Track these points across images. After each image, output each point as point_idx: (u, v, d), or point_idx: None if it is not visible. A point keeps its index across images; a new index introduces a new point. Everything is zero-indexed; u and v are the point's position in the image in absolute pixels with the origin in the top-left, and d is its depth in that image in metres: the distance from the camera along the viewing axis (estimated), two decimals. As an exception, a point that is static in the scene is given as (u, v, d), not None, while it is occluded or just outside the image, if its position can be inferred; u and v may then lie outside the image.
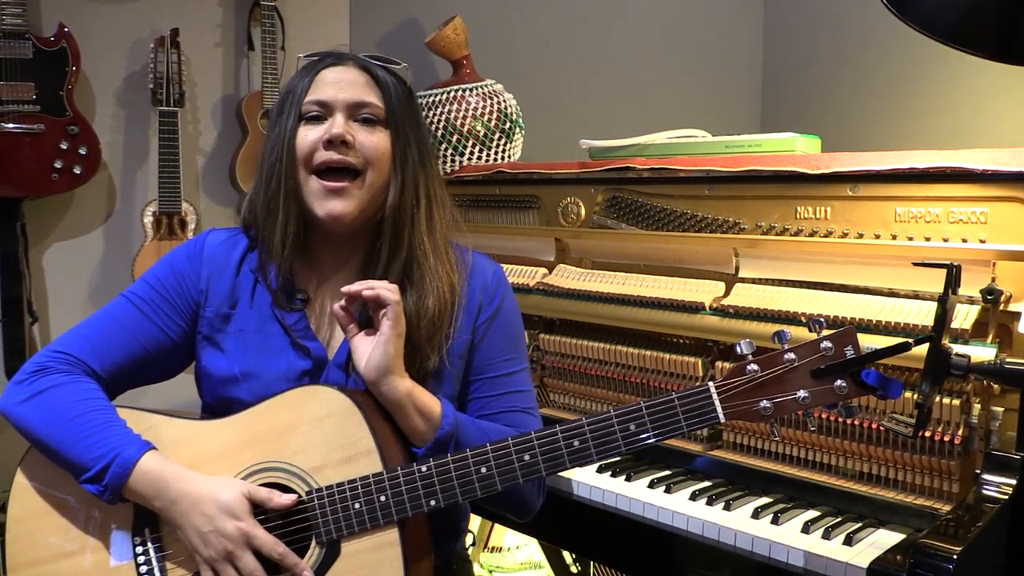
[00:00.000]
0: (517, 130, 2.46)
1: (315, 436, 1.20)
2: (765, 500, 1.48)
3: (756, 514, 1.41)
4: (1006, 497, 1.20)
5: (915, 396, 1.18)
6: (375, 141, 1.28)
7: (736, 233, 1.68)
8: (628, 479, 1.58)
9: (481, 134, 2.38)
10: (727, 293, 1.64)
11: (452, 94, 2.40)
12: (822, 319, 1.12)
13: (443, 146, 2.37)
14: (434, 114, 2.38)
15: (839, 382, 1.10)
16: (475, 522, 2.49)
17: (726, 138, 1.83)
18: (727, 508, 1.44)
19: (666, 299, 1.69)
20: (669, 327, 1.69)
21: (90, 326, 1.30)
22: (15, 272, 2.52)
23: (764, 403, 1.11)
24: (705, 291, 1.67)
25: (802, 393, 1.11)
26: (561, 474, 1.56)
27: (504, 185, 2.12)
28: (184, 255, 1.35)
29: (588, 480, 1.58)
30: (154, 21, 2.68)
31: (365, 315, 1.25)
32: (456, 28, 2.50)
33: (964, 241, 1.39)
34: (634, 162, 1.84)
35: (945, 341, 1.17)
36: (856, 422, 1.43)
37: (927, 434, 1.35)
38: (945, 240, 1.41)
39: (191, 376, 1.38)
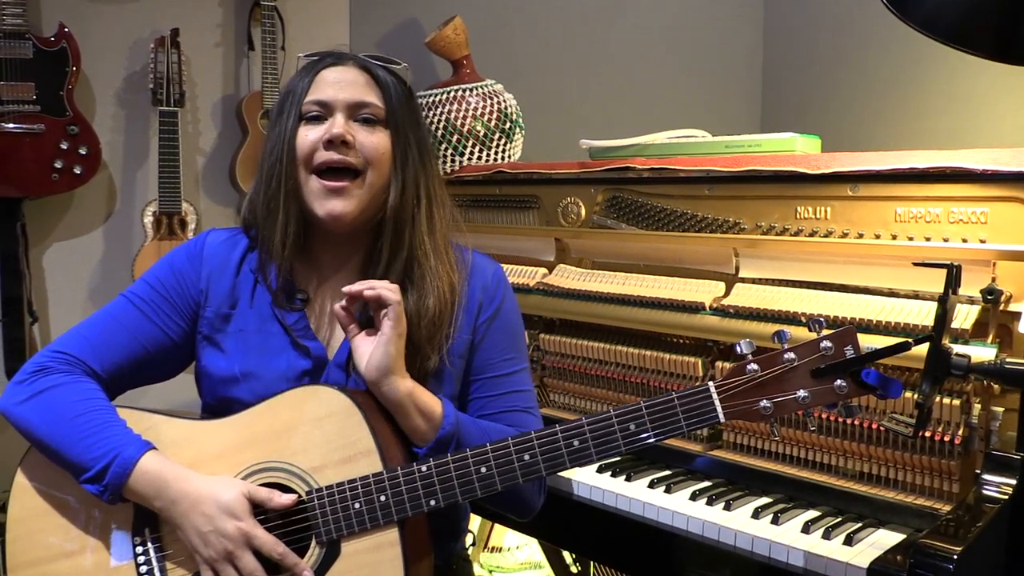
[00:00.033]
0: (517, 130, 2.46)
1: (315, 436, 1.20)
2: (765, 500, 1.48)
3: (756, 514, 1.41)
4: (1006, 497, 1.20)
5: (915, 396, 1.18)
6: (375, 141, 1.28)
7: (736, 233, 1.68)
8: (628, 479, 1.58)
9: (481, 134, 2.38)
10: (727, 293, 1.64)
11: (452, 94, 2.40)
12: (822, 319, 1.12)
13: (443, 146, 2.37)
14: (434, 114, 2.38)
15: (839, 382, 1.10)
16: (475, 522, 2.49)
17: (726, 138, 1.83)
18: (727, 508, 1.44)
19: (666, 299, 1.69)
20: (669, 327, 1.69)
21: (90, 326, 1.30)
22: (15, 272, 2.52)
23: (764, 403, 1.11)
24: (705, 291, 1.67)
25: (802, 393, 1.11)
26: (561, 474, 1.56)
27: (504, 185, 2.12)
28: (184, 255, 1.35)
29: (588, 480, 1.58)
30: (154, 21, 2.68)
31: (365, 315, 1.25)
32: (456, 28, 2.50)
33: (964, 241, 1.39)
34: (634, 162, 1.84)
35: (945, 341, 1.17)
36: (856, 422, 1.43)
37: (927, 434, 1.35)
38: (945, 240, 1.41)
39: (191, 376, 1.38)
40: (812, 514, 1.42)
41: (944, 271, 1.17)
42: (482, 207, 2.17)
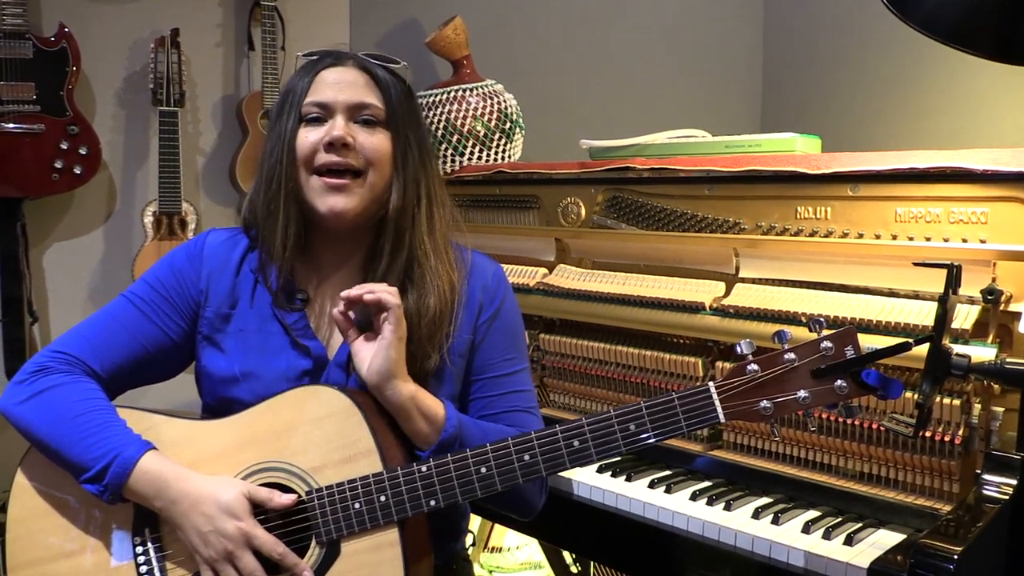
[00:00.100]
0: (517, 130, 2.46)
1: (315, 436, 1.20)
2: (765, 500, 1.48)
3: (756, 514, 1.41)
4: (1006, 497, 1.20)
5: (915, 396, 1.18)
6: (375, 142, 1.28)
7: (736, 233, 1.68)
8: (628, 479, 1.58)
9: (481, 134, 2.38)
10: (727, 293, 1.64)
11: (452, 94, 2.40)
12: (822, 319, 1.12)
13: (443, 146, 2.37)
14: (434, 114, 2.38)
15: (839, 382, 1.10)
16: (475, 522, 2.49)
17: (726, 138, 1.83)
18: (727, 508, 1.44)
19: (666, 299, 1.69)
20: (669, 327, 1.69)
21: (90, 326, 1.30)
22: (15, 272, 2.52)
23: (764, 403, 1.11)
24: (705, 291, 1.67)
25: (802, 393, 1.11)
26: (561, 474, 1.56)
27: (504, 185, 2.12)
28: (184, 255, 1.35)
29: (588, 480, 1.58)
30: (154, 21, 2.68)
31: (364, 317, 1.24)
32: (456, 28, 2.50)
33: (964, 241, 1.39)
34: (634, 162, 1.84)
35: (945, 341, 1.17)
36: (856, 422, 1.43)
37: (927, 434, 1.35)
38: (945, 240, 1.41)
39: (191, 376, 1.38)
40: (812, 514, 1.42)
41: (944, 271, 1.17)
42: (482, 207, 2.17)
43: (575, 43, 3.05)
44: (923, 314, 1.38)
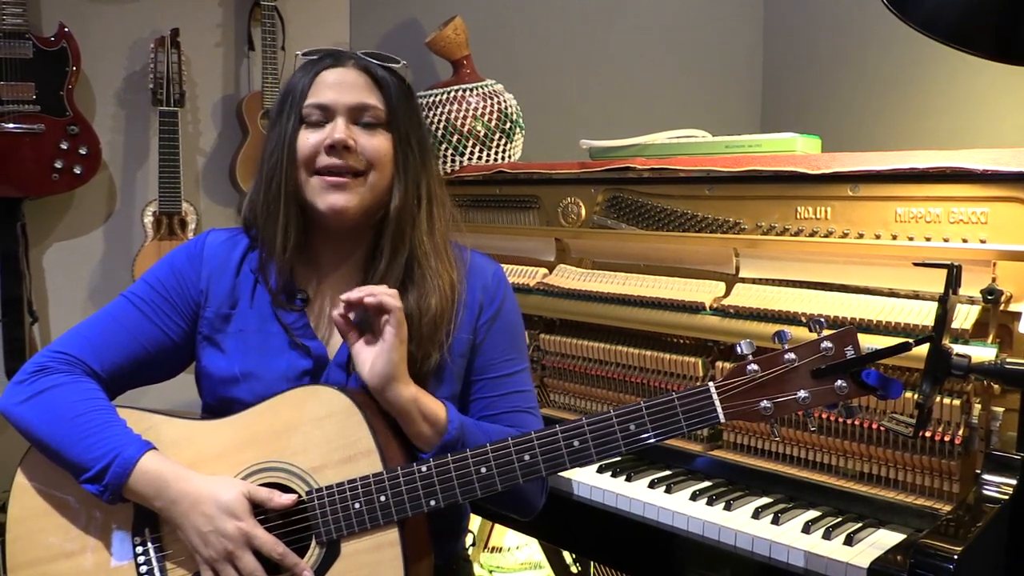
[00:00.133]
0: (517, 130, 2.46)
1: (315, 436, 1.20)
2: (765, 500, 1.48)
3: (756, 514, 1.41)
4: (1006, 497, 1.20)
5: (915, 396, 1.18)
6: (376, 144, 1.28)
7: (736, 233, 1.68)
8: (628, 479, 1.58)
9: (481, 134, 2.38)
10: (727, 293, 1.64)
11: (452, 94, 2.40)
12: (822, 319, 1.12)
13: (443, 146, 2.37)
14: (434, 114, 2.38)
15: (839, 382, 1.10)
16: (475, 522, 2.49)
17: (726, 138, 1.83)
18: (727, 508, 1.44)
19: (666, 299, 1.69)
20: (669, 327, 1.69)
21: (90, 326, 1.30)
22: (15, 272, 2.52)
23: (764, 403, 1.11)
24: (705, 291, 1.67)
25: (802, 393, 1.11)
26: (561, 474, 1.56)
27: (504, 185, 2.12)
28: (184, 255, 1.35)
29: (588, 480, 1.58)
30: (154, 21, 2.68)
31: (363, 319, 1.24)
32: (456, 28, 2.50)
33: (964, 241, 1.39)
34: (634, 162, 1.84)
35: (945, 341, 1.17)
36: (856, 422, 1.43)
37: (927, 434, 1.35)
38: (945, 240, 1.41)
39: (191, 376, 1.38)
40: (812, 514, 1.42)
41: (944, 271, 1.17)
42: (482, 207, 2.17)
43: (575, 43, 3.05)
44: (923, 314, 1.38)
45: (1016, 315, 1.30)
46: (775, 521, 1.38)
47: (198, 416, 1.31)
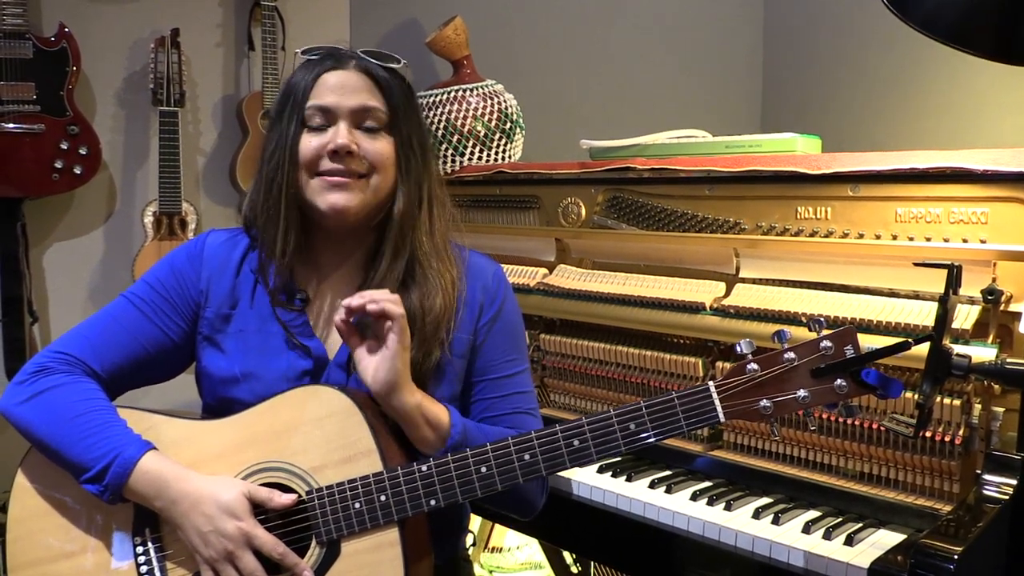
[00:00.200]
0: (517, 130, 2.46)
1: (315, 436, 1.20)
2: (766, 500, 1.48)
3: (757, 514, 1.41)
4: (1007, 497, 1.20)
5: (916, 396, 1.18)
6: (379, 148, 1.28)
7: (736, 233, 1.68)
8: (629, 479, 1.58)
9: (481, 134, 2.38)
10: (727, 293, 1.64)
11: (452, 94, 2.40)
12: (822, 319, 1.12)
13: (443, 146, 2.37)
14: (434, 114, 2.38)
15: (839, 381, 1.10)
16: (475, 522, 2.49)
17: (726, 138, 1.83)
18: (728, 508, 1.44)
19: (666, 299, 1.69)
20: (669, 327, 1.69)
21: (90, 326, 1.30)
22: (15, 272, 2.52)
23: (764, 402, 1.11)
24: (705, 291, 1.67)
25: (802, 392, 1.11)
26: (562, 474, 1.56)
27: (504, 185, 2.12)
28: (184, 255, 1.35)
29: (589, 480, 1.58)
30: (154, 21, 2.68)
31: (363, 322, 1.23)
32: (456, 28, 2.50)
33: (965, 241, 1.39)
34: (634, 162, 1.84)
35: (946, 341, 1.17)
36: (857, 422, 1.43)
37: (928, 434, 1.35)
38: (946, 240, 1.41)
39: (191, 376, 1.38)
40: (813, 514, 1.42)
41: (944, 271, 1.17)
42: (482, 207, 2.17)
43: (575, 43, 3.05)
44: (923, 314, 1.38)
45: (1016, 315, 1.30)
46: (775, 521, 1.38)
47: (198, 416, 1.31)
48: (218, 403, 1.31)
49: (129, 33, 2.68)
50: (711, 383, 1.13)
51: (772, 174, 1.61)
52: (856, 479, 1.45)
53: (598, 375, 1.81)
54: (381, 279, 1.28)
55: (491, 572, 2.59)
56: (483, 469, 1.15)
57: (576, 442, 1.14)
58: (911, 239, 1.45)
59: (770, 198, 1.63)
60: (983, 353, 1.27)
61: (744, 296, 1.60)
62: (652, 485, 1.55)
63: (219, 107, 2.84)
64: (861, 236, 1.51)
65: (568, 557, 2.38)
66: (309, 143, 1.27)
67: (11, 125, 2.41)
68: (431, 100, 2.41)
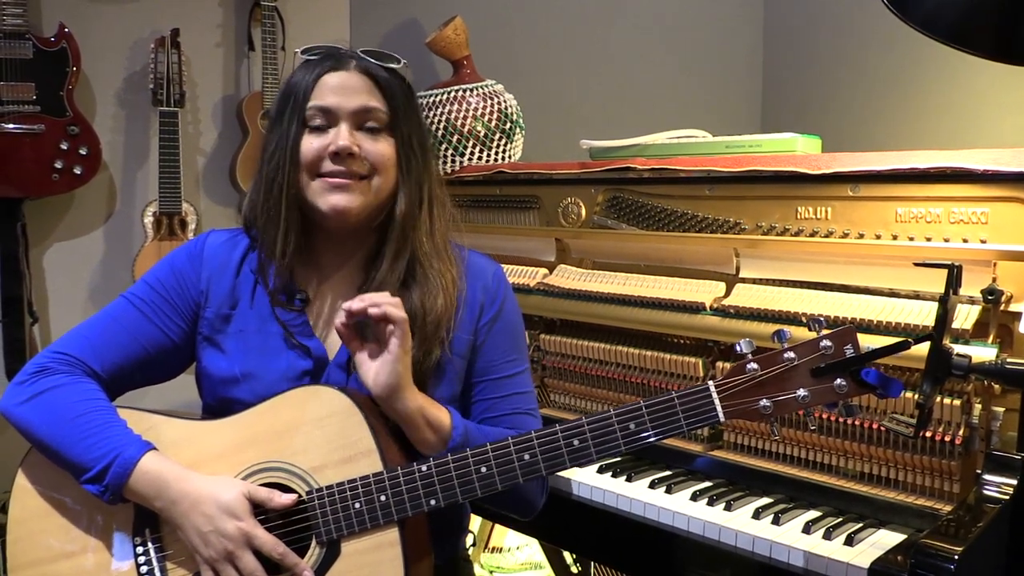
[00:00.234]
0: (517, 130, 2.46)
1: (316, 436, 1.20)
2: (766, 500, 1.48)
3: (757, 514, 1.40)
4: (1007, 497, 1.20)
5: (916, 396, 1.18)
6: (380, 149, 1.28)
7: (737, 233, 1.68)
8: (629, 479, 1.58)
9: (481, 134, 2.38)
10: (728, 293, 1.64)
11: (452, 94, 2.40)
12: (822, 319, 1.12)
13: (443, 146, 2.37)
14: (434, 114, 2.38)
15: (839, 381, 1.10)
16: (475, 522, 2.49)
17: (727, 138, 1.83)
18: (728, 508, 1.44)
19: (666, 299, 1.69)
20: (670, 327, 1.69)
21: (91, 327, 1.30)
22: (15, 272, 2.52)
23: (764, 402, 1.11)
24: (706, 291, 1.67)
25: (802, 392, 1.11)
26: (562, 474, 1.56)
27: (504, 185, 2.12)
28: (184, 256, 1.35)
29: (589, 480, 1.58)
30: (154, 21, 2.68)
31: (363, 323, 1.23)
32: (456, 28, 2.50)
33: (965, 241, 1.39)
34: (634, 162, 1.84)
35: (946, 341, 1.16)
36: (857, 422, 1.43)
37: (928, 434, 1.35)
38: (946, 240, 1.41)
39: (191, 377, 1.38)
40: (813, 514, 1.42)
41: (945, 271, 1.17)
42: (482, 207, 2.17)
43: (575, 43, 3.05)
44: (923, 314, 1.38)
45: (1016, 315, 1.30)
46: (775, 521, 1.38)
47: (198, 416, 1.31)
48: (218, 403, 1.31)
49: (129, 33, 2.68)
50: (711, 383, 1.13)
51: (772, 174, 1.61)
52: (856, 479, 1.45)
53: (598, 375, 1.81)
54: (382, 280, 1.28)
55: (491, 572, 2.59)
56: (483, 469, 1.15)
57: (576, 442, 1.14)
58: (911, 239, 1.45)
59: (770, 198, 1.63)
60: (983, 353, 1.27)
61: (744, 296, 1.60)
62: (652, 485, 1.55)
63: (219, 107, 2.84)
64: (861, 236, 1.51)
65: (568, 557, 2.38)
66: (310, 144, 1.26)
67: (11, 125, 2.41)
68: (431, 100, 2.41)
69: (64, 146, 2.47)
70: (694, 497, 1.49)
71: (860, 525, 1.36)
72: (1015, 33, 1.31)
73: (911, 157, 1.43)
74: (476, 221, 2.17)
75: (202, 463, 1.21)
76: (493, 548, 2.60)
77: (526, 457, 1.15)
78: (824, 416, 1.45)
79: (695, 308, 1.66)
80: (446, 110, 2.38)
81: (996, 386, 1.32)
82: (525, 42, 2.99)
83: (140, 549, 1.22)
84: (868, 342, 1.14)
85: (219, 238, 1.38)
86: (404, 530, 1.16)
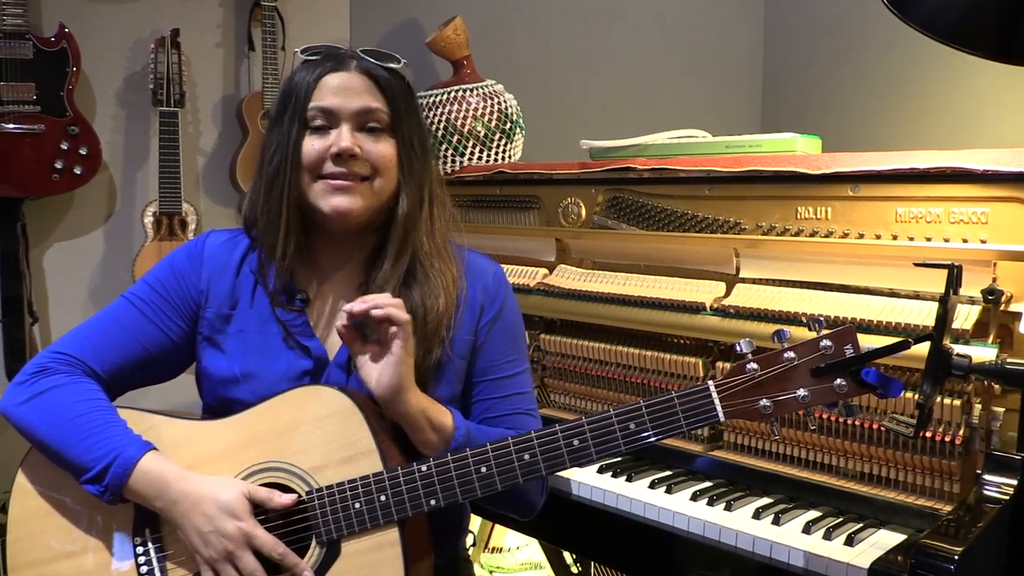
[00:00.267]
0: (517, 130, 2.46)
1: (316, 436, 1.20)
2: (766, 500, 1.48)
3: (757, 514, 1.40)
4: (1007, 497, 1.20)
5: (916, 396, 1.18)
6: (382, 150, 1.28)
7: (737, 233, 1.68)
8: (629, 479, 1.58)
9: (481, 134, 2.38)
10: (728, 293, 1.64)
11: (452, 94, 2.40)
12: (822, 319, 1.12)
13: (443, 146, 2.37)
14: (434, 114, 2.38)
15: (839, 381, 1.10)
16: (475, 522, 2.49)
17: (727, 138, 1.83)
18: (728, 509, 1.44)
19: (667, 299, 1.69)
20: (670, 327, 1.69)
21: (91, 327, 1.30)
22: (15, 272, 2.52)
23: (764, 402, 1.11)
24: (706, 291, 1.67)
25: (802, 392, 1.11)
26: (562, 474, 1.56)
27: (505, 185, 2.12)
28: (184, 256, 1.35)
29: (589, 480, 1.58)
30: (154, 21, 2.68)
31: (363, 324, 1.23)
32: (456, 28, 2.50)
33: (965, 241, 1.39)
34: (635, 162, 1.84)
35: (946, 341, 1.16)
36: (857, 422, 1.43)
37: (928, 434, 1.35)
38: (946, 240, 1.41)
39: (192, 377, 1.38)
40: (813, 514, 1.42)
41: (945, 271, 1.17)
42: (483, 207, 2.17)
43: (575, 43, 3.05)
44: (924, 314, 1.38)
45: (1016, 315, 1.30)
46: (776, 521, 1.38)
47: (198, 416, 1.31)
48: (218, 403, 1.31)
49: (129, 33, 2.68)
50: (711, 383, 1.13)
51: (772, 174, 1.61)
52: (856, 479, 1.45)
53: (598, 375, 1.81)
54: (383, 280, 1.28)
55: (491, 572, 2.59)
56: (483, 469, 1.15)
57: (576, 442, 1.14)
58: (911, 239, 1.45)
59: (770, 198, 1.63)
60: (983, 353, 1.27)
61: (744, 296, 1.60)
62: (652, 485, 1.55)
63: (219, 107, 2.84)
64: (861, 236, 1.51)
65: (568, 557, 2.38)
66: (312, 146, 1.26)
67: (11, 125, 2.41)
68: (431, 100, 2.41)
69: (64, 146, 2.47)
70: (694, 497, 1.49)
71: (860, 525, 1.36)
72: (1015, 33, 1.31)
73: (911, 157, 1.43)
74: (476, 221, 2.17)
75: (202, 463, 1.21)
76: (493, 548, 2.60)
77: (526, 457, 1.15)
78: (824, 416, 1.45)
79: (695, 308, 1.66)
80: (446, 110, 2.38)
81: (996, 386, 1.32)
82: (525, 42, 2.99)
83: (140, 549, 1.22)
84: (868, 342, 1.14)
85: (219, 238, 1.37)
86: (404, 530, 1.16)
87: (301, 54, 1.33)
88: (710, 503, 1.46)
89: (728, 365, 1.59)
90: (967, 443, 1.34)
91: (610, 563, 2.04)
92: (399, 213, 1.29)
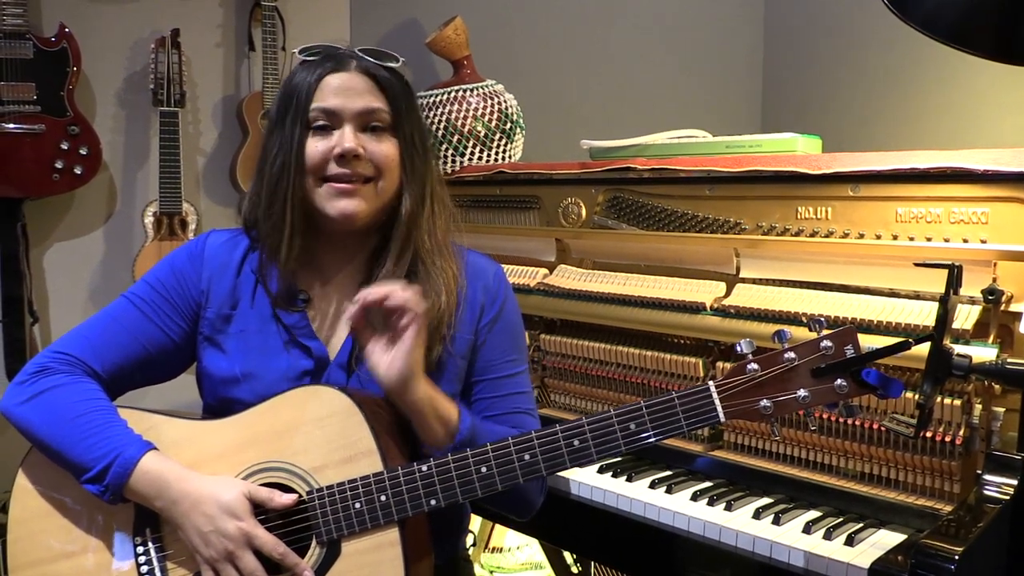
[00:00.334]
0: (518, 130, 2.46)
1: (316, 436, 1.20)
2: (766, 500, 1.48)
3: (757, 514, 1.41)
4: (1007, 497, 1.20)
5: (916, 396, 1.18)
6: (384, 150, 1.28)
7: (737, 233, 1.68)
8: (629, 479, 1.58)
9: (482, 134, 2.38)
10: (728, 293, 1.64)
11: (453, 94, 2.40)
12: (822, 319, 1.12)
13: (444, 146, 2.37)
14: (435, 114, 2.38)
15: (839, 381, 1.10)
16: (475, 522, 2.49)
17: (727, 138, 1.83)
18: (728, 508, 1.44)
19: (667, 299, 1.69)
20: (670, 327, 1.69)
21: (91, 327, 1.30)
22: (16, 272, 2.52)
23: (764, 402, 1.11)
24: (706, 291, 1.67)
25: (802, 392, 1.11)
26: (562, 474, 1.56)
27: (505, 185, 2.12)
28: (185, 256, 1.35)
29: (589, 480, 1.58)
30: (155, 21, 2.68)
31: (371, 315, 1.22)
32: (456, 28, 2.50)
33: (965, 241, 1.39)
34: (635, 162, 1.84)
35: (946, 341, 1.17)
36: (857, 422, 1.43)
37: (928, 434, 1.35)
38: (946, 240, 1.41)
39: (192, 377, 1.38)
40: (813, 514, 1.42)
41: (945, 271, 1.17)
42: (483, 207, 2.17)
43: (575, 43, 3.05)
44: (924, 314, 1.38)
45: (1017, 315, 1.30)
46: (776, 521, 1.38)
47: (199, 416, 1.31)
48: (219, 403, 1.31)
49: (129, 33, 2.68)
50: (711, 383, 1.13)
51: (772, 174, 1.61)
52: (856, 479, 1.45)
53: (598, 375, 1.81)
54: (386, 278, 1.28)
55: (491, 572, 2.59)
56: (483, 469, 1.15)
57: (576, 442, 1.14)
58: (911, 239, 1.45)
59: (770, 198, 1.63)
60: (983, 353, 1.27)
61: (744, 296, 1.60)
62: (652, 485, 1.55)
63: (219, 107, 2.84)
64: (861, 236, 1.51)
65: (568, 557, 2.38)
66: (315, 147, 1.26)
67: (11, 125, 2.41)
68: (431, 100, 2.41)
69: (64, 146, 2.47)
70: (694, 497, 1.49)
71: (860, 525, 1.36)
72: (1015, 33, 1.31)
73: (911, 157, 1.43)
74: (476, 221, 2.17)
75: (202, 463, 1.21)
76: (493, 548, 2.60)
77: (526, 457, 1.15)
78: (824, 416, 1.45)
79: (695, 308, 1.66)
80: (446, 110, 2.38)
81: (996, 386, 1.32)
82: (525, 42, 2.99)
83: (140, 549, 1.22)
84: (868, 342, 1.14)
85: (219, 238, 1.38)
86: (404, 530, 1.16)
87: (299, 54, 1.33)
88: (710, 503, 1.46)
89: (728, 365, 1.59)
90: (967, 443, 1.34)
91: (610, 563, 2.04)
92: (402, 212, 1.30)
